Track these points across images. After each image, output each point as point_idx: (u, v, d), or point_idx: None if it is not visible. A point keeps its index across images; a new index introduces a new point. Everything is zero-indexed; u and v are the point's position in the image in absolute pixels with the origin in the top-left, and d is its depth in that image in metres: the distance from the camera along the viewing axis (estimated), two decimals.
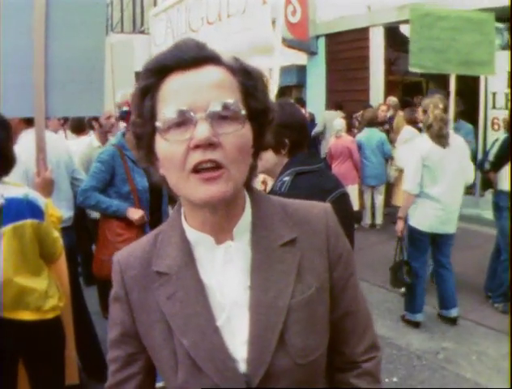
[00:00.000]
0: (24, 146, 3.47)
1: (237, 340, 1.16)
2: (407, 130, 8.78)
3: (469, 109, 9.39)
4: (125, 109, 3.99)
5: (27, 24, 3.25)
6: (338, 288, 1.27)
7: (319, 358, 1.21)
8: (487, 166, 5.84)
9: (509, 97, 7.50)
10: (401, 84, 12.64)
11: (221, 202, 1.10)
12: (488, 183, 6.15)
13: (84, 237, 5.01)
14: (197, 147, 1.05)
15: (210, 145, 1.04)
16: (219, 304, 1.18)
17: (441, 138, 5.00)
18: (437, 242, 5.41)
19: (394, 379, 4.46)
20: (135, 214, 4.02)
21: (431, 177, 5.10)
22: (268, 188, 3.32)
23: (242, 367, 1.15)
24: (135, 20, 25.36)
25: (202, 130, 1.04)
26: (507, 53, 9.35)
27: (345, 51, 11.87)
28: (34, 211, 2.76)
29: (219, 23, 13.66)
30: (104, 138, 5.73)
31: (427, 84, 12.69)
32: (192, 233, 1.22)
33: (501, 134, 6.01)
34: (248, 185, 1.25)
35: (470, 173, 5.31)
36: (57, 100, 3.35)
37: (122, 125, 4.98)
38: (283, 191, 2.36)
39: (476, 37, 5.58)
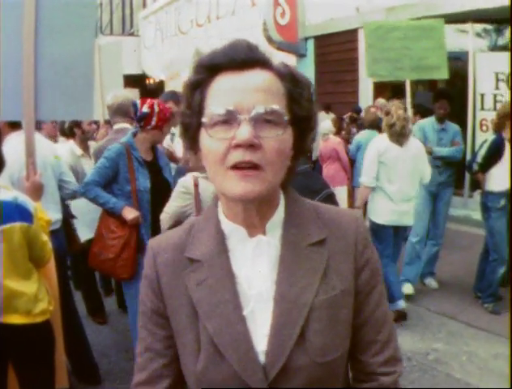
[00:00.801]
0: (9, 150, 3.45)
1: (259, 332, 1.19)
2: None
3: (458, 110, 9.44)
4: (147, 110, 4.00)
5: (16, 27, 3.24)
6: (362, 294, 1.28)
7: (337, 360, 1.21)
8: (475, 167, 5.88)
9: (510, 97, 7.54)
10: (390, 86, 12.66)
11: (254, 200, 1.14)
12: (476, 184, 6.19)
13: (73, 240, 4.99)
14: (238, 146, 1.08)
15: (250, 146, 1.08)
16: (245, 294, 1.21)
17: (400, 137, 5.27)
18: (395, 234, 5.59)
19: None
20: (130, 214, 4.02)
21: (387, 173, 5.35)
22: None
23: (261, 359, 1.17)
24: (125, 22, 25.32)
25: (244, 131, 1.07)
26: (495, 54, 9.44)
27: (334, 53, 11.87)
28: (23, 214, 2.76)
29: (209, 25, 13.65)
30: (84, 145, 5.70)
31: (416, 86, 12.72)
32: (227, 224, 1.26)
33: (490, 136, 6.04)
34: (284, 185, 1.27)
35: (426, 173, 5.57)
36: (46, 103, 3.33)
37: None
38: None
39: (428, 44, 5.99)
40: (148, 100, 4.04)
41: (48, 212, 3.58)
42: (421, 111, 8.48)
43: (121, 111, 4.95)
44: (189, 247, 1.28)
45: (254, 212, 1.21)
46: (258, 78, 1.13)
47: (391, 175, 5.36)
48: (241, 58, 1.13)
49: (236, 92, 1.10)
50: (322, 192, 2.46)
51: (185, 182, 3.48)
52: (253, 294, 1.20)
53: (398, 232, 5.60)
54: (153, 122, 4.01)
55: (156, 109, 4.00)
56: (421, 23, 6.48)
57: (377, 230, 5.51)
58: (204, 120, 1.13)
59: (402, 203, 5.40)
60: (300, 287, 1.19)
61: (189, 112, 1.19)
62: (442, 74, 6.38)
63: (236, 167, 1.09)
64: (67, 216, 4.88)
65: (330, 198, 2.52)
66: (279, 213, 1.26)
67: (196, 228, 1.31)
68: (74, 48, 3.39)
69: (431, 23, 6.28)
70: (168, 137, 5.50)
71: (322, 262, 1.22)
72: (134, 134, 4.18)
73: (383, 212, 5.46)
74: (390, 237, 5.53)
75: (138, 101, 4.08)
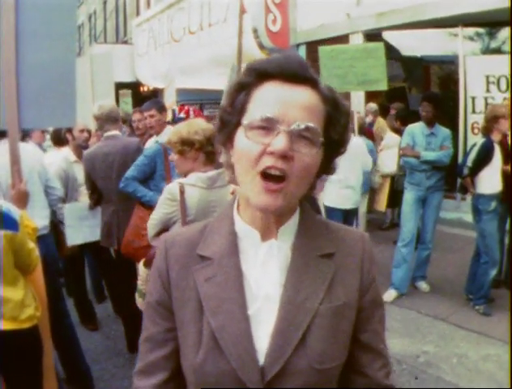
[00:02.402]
0: None
1: (262, 332, 1.21)
2: (390, 137, 8.87)
3: (449, 113, 9.48)
4: (183, 115, 4.19)
5: None
6: (368, 310, 1.32)
7: (334, 370, 1.24)
8: (465, 171, 5.92)
9: (509, 99, 7.59)
10: (383, 91, 12.72)
11: (275, 213, 1.20)
12: (465, 188, 6.21)
13: (61, 245, 5.02)
14: (272, 153, 1.13)
15: (283, 156, 1.12)
16: (252, 295, 1.24)
17: None
18: (345, 217, 6.58)
19: None
20: None
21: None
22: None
23: (261, 359, 1.19)
24: (118, 30, 25.40)
25: (281, 141, 1.11)
26: (485, 57, 9.50)
27: None
28: (8, 222, 2.77)
29: (201, 32, 13.66)
30: (78, 151, 5.73)
31: (409, 90, 12.78)
32: (241, 225, 1.30)
33: (480, 139, 6.07)
34: (301, 199, 1.31)
35: (368, 163, 6.97)
36: (29, 111, 3.34)
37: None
38: None
39: (370, 62, 7.14)
40: (185, 107, 4.31)
41: (35, 218, 3.73)
42: (402, 117, 8.55)
43: (111, 119, 5.04)
44: (202, 245, 1.32)
45: (272, 220, 1.26)
46: (304, 95, 1.17)
47: (340, 165, 5.72)
48: (293, 72, 1.17)
49: (281, 103, 1.15)
50: None
51: (171, 189, 3.49)
52: (261, 295, 1.24)
53: (347, 215, 6.64)
54: None
55: (192, 114, 4.22)
56: (366, 46, 7.89)
57: (329, 212, 6.47)
58: (245, 121, 1.17)
59: (346, 189, 6.48)
60: (306, 293, 1.23)
61: (231, 110, 1.23)
62: (382, 86, 7.35)
63: (265, 174, 1.14)
64: (56, 222, 4.94)
65: (310, 200, 2.53)
66: (293, 222, 1.30)
67: (210, 227, 1.35)
68: (56, 54, 3.40)
69: (374, 46, 7.47)
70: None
71: (330, 273, 1.26)
72: None
73: (332, 197, 6.50)
74: (340, 217, 6.44)
75: (177, 108, 4.33)
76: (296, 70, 1.18)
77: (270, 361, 1.18)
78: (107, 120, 5.03)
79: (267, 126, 1.14)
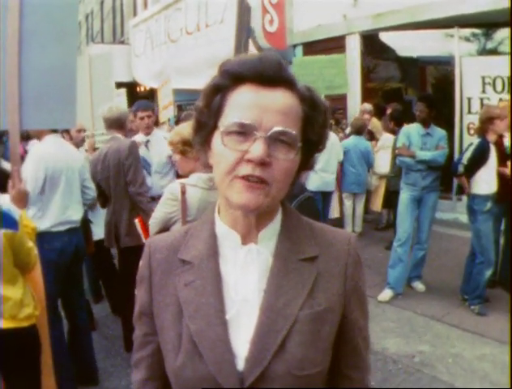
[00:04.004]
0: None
1: (242, 338, 1.20)
2: (386, 137, 8.90)
3: (445, 114, 9.52)
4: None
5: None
6: (352, 315, 1.31)
7: (316, 376, 1.22)
8: (460, 169, 5.94)
9: (509, 100, 7.63)
10: (381, 91, 12.75)
11: (255, 211, 1.18)
12: (461, 189, 6.25)
13: (89, 242, 5.14)
14: (249, 161, 1.12)
15: (261, 163, 1.12)
16: (231, 299, 1.23)
17: None
18: (323, 198, 8.35)
19: (372, 383, 4.50)
20: None
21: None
22: None
23: (240, 364, 1.18)
24: (115, 30, 25.34)
25: (258, 149, 1.11)
26: (481, 58, 9.54)
27: None
28: (7, 221, 2.79)
29: (198, 33, 13.67)
30: None
31: (406, 90, 12.82)
32: (221, 228, 1.29)
33: (476, 139, 6.10)
34: (282, 199, 1.29)
35: (340, 153, 8.64)
36: (30, 113, 3.37)
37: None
38: None
39: (334, 71, 8.87)
40: None
41: (73, 212, 4.38)
42: (396, 118, 8.59)
43: (118, 124, 5.11)
44: (183, 249, 1.31)
45: (253, 221, 1.24)
46: (280, 98, 1.16)
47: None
48: (269, 75, 1.15)
49: (257, 108, 1.13)
50: (300, 196, 2.50)
51: (172, 189, 3.51)
52: (239, 300, 1.23)
53: (326, 196, 8.47)
54: None
55: None
56: (331, 57, 9.25)
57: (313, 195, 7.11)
58: (221, 126, 1.16)
59: (324, 175, 8.18)
60: (286, 298, 1.21)
61: (207, 111, 1.22)
62: (344, 90, 9.40)
63: (243, 177, 1.13)
64: (85, 220, 5.07)
65: (308, 201, 2.56)
66: (275, 225, 1.29)
67: (192, 231, 1.35)
68: (57, 56, 3.42)
69: (337, 57, 9.33)
70: (142, 145, 5.64)
71: (311, 277, 1.24)
72: None
73: (314, 183, 8.01)
74: (320, 198, 8.13)
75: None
76: (272, 73, 1.16)
77: (249, 367, 1.17)
78: (114, 124, 5.10)
79: (244, 131, 1.13)
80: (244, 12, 7.71)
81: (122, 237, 4.95)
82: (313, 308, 1.22)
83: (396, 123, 8.45)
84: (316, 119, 1.23)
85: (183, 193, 3.45)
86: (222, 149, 1.15)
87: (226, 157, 1.14)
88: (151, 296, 1.33)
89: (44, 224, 4.14)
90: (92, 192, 4.80)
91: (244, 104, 1.15)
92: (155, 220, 3.62)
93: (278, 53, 1.23)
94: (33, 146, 5.22)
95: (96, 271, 6.31)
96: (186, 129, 3.57)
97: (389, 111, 9.23)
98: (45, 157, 4.17)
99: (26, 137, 6.85)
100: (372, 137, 9.48)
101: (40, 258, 3.43)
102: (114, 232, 5.02)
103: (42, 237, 3.89)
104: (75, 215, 4.43)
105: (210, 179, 3.43)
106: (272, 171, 1.13)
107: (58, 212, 4.27)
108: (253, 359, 1.17)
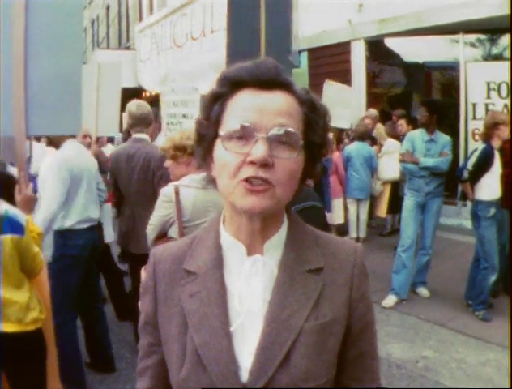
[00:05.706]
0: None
1: (246, 349, 1.19)
2: (390, 143, 8.91)
3: (450, 120, 9.52)
4: None
5: (5, 43, 3.31)
6: (357, 326, 1.28)
7: (321, 387, 1.19)
8: (465, 174, 5.95)
9: (510, 104, 7.65)
10: (386, 96, 12.76)
11: (260, 214, 1.16)
12: (465, 195, 6.26)
13: (102, 242, 5.29)
14: (252, 163, 1.11)
15: (264, 164, 1.11)
16: (236, 311, 1.21)
17: None
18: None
19: None
20: None
21: None
22: None
23: (244, 376, 1.16)
24: (121, 36, 25.46)
25: (260, 150, 1.10)
26: (486, 63, 9.55)
27: (327, 65, 11.91)
28: (14, 226, 2.83)
29: (204, 38, 13.69)
30: None
31: (411, 96, 12.83)
32: (226, 238, 1.27)
33: (480, 145, 6.10)
34: (287, 207, 1.29)
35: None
36: (36, 118, 3.40)
37: None
38: None
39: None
40: None
41: (91, 210, 4.62)
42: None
43: (146, 121, 5.08)
44: (188, 259, 1.30)
45: (258, 227, 1.22)
46: (279, 100, 1.16)
47: None
48: (267, 78, 1.16)
49: (257, 111, 1.13)
50: (300, 204, 2.48)
51: (166, 191, 3.56)
52: (244, 311, 1.21)
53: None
54: None
55: None
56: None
57: None
58: (221, 132, 1.16)
59: None
60: (291, 310, 1.20)
61: (207, 123, 1.22)
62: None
63: (247, 180, 1.12)
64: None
65: (310, 211, 2.53)
66: (281, 234, 1.27)
67: (197, 241, 1.33)
68: (63, 63, 3.46)
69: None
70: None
71: (317, 289, 1.23)
72: None
73: None
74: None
75: None
76: (269, 76, 1.16)
77: (253, 379, 1.15)
78: (141, 121, 5.04)
79: (245, 134, 1.12)
80: None
81: (142, 242, 4.91)
82: (319, 319, 1.20)
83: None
84: (316, 121, 1.22)
85: (177, 194, 3.48)
86: (224, 155, 1.15)
87: (229, 162, 1.13)
88: (156, 306, 1.32)
89: (67, 223, 4.41)
90: (104, 194, 5.07)
91: (243, 107, 1.15)
92: (151, 226, 3.66)
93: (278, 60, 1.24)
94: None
95: (103, 275, 6.29)
96: (177, 135, 3.65)
97: (394, 117, 9.25)
98: (68, 160, 4.34)
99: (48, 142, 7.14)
100: (374, 142, 9.47)
101: (65, 254, 4.13)
102: (131, 237, 4.98)
103: (66, 234, 4.38)
104: (94, 213, 4.68)
105: (203, 179, 3.44)
106: (276, 172, 1.12)
107: (81, 211, 4.49)
108: (257, 371, 1.16)
